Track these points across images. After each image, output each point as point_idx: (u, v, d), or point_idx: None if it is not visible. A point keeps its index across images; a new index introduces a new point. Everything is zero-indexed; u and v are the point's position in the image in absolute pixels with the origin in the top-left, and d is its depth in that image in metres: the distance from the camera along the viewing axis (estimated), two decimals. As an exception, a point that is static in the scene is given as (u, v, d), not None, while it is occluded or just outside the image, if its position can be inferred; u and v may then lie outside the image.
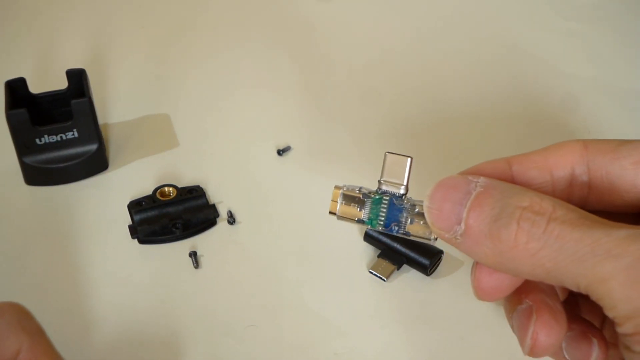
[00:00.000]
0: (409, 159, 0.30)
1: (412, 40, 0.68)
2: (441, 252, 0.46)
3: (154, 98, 0.60)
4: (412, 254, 0.45)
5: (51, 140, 0.50)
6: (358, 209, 0.31)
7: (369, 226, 0.31)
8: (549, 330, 0.28)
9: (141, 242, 0.47)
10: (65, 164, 0.50)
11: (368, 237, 0.47)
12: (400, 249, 0.46)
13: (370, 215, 0.31)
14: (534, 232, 0.26)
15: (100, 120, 0.53)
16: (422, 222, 0.30)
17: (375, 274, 0.45)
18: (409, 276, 0.45)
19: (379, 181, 0.31)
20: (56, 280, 0.45)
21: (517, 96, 0.61)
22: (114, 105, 0.59)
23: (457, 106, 0.60)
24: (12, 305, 0.31)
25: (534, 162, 0.30)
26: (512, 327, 0.30)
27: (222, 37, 0.68)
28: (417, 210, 0.30)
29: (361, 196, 0.31)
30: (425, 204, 0.29)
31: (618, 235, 0.25)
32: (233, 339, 0.42)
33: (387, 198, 0.31)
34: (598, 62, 0.65)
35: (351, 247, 0.47)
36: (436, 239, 0.30)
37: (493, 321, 0.43)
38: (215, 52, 0.66)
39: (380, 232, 0.46)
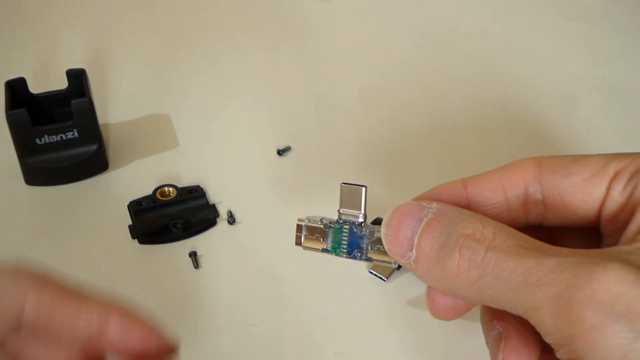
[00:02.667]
0: (364, 188, 0.31)
1: (413, 40, 0.68)
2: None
3: (154, 98, 0.60)
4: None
5: (51, 140, 0.50)
6: (321, 240, 0.32)
7: (334, 254, 0.32)
8: (518, 356, 0.28)
9: (141, 242, 0.47)
10: (66, 164, 0.50)
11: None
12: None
13: (333, 244, 0.32)
14: (473, 260, 0.26)
15: (100, 120, 0.53)
16: (381, 248, 0.30)
17: (375, 274, 0.45)
18: (409, 276, 0.45)
19: (339, 211, 0.32)
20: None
21: (516, 96, 0.61)
22: (114, 105, 0.59)
23: (456, 105, 0.60)
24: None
25: (489, 182, 0.31)
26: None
27: (223, 37, 0.68)
28: (376, 236, 0.31)
29: (323, 227, 0.32)
30: (382, 230, 0.30)
31: (549, 264, 0.25)
32: (233, 339, 0.42)
33: (347, 227, 0.32)
34: (598, 62, 0.65)
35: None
36: (396, 263, 0.30)
37: (493, 321, 0.43)
38: (216, 52, 0.66)
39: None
